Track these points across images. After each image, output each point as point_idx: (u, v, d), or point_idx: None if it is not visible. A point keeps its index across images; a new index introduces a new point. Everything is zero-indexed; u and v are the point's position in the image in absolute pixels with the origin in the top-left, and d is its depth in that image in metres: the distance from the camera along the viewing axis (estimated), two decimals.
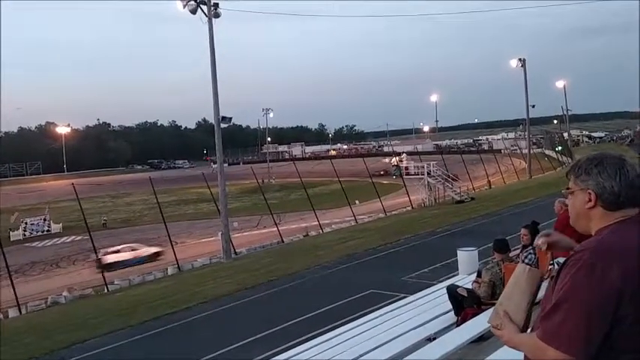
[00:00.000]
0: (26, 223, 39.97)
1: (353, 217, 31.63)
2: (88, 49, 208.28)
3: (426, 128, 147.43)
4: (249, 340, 10.75)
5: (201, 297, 14.87)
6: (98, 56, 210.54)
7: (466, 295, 6.78)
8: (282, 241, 27.25)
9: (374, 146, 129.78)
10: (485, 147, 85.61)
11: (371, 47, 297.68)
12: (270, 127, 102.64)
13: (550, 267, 7.72)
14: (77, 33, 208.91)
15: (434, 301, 8.94)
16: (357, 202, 36.82)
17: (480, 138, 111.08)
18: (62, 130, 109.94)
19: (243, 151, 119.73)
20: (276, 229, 28.96)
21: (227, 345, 10.57)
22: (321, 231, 29.26)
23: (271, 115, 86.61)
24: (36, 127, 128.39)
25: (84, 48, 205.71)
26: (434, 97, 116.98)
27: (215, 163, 31.01)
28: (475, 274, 7.69)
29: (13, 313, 18.52)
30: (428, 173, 34.53)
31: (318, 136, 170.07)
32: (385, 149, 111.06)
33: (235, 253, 24.32)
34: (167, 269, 22.64)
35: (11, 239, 35.31)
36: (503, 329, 1.81)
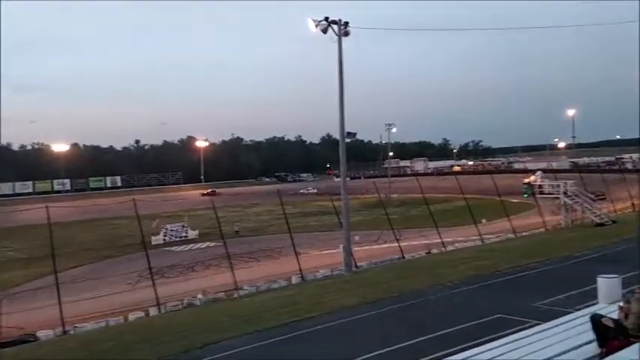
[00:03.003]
0: (166, 229, 43.53)
1: (479, 237, 30.43)
2: (222, 69, 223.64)
3: (561, 145, 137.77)
4: (370, 355, 10.76)
5: (323, 308, 15.15)
6: (233, 75, 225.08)
7: (612, 325, 6.23)
8: (403, 257, 26.96)
9: (502, 163, 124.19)
10: (629, 166, 78.05)
11: (499, 61, 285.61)
12: (393, 142, 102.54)
13: None
14: (213, 54, 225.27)
15: (571, 330, 8.30)
16: (483, 220, 35.43)
17: (624, 156, 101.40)
18: (201, 143, 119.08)
19: (364, 165, 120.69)
20: (396, 244, 28.76)
21: (349, 358, 10.67)
22: (443, 249, 28.52)
23: (394, 130, 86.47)
24: (178, 141, 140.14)
25: (219, 67, 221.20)
26: (570, 112, 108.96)
27: (337, 176, 31.66)
28: (617, 304, 7.07)
29: (153, 311, 20.21)
30: (564, 193, 32.25)
31: (441, 151, 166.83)
32: (515, 166, 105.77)
33: (356, 266, 24.49)
34: (291, 278, 23.41)
35: (152, 243, 38.53)
36: None
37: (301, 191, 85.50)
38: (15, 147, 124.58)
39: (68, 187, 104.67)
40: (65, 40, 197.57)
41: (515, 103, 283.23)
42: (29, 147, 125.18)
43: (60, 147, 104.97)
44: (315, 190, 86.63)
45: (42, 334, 17.64)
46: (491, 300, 14.60)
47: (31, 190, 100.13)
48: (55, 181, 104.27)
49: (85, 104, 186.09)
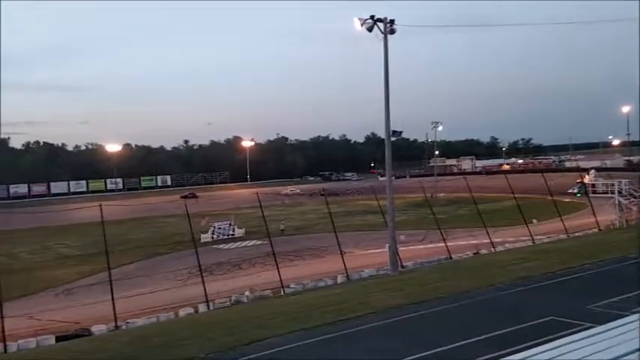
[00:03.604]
0: (214, 227, 44.29)
1: (529, 237, 29.61)
2: (266, 69, 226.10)
3: (615, 142, 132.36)
4: (417, 356, 10.65)
5: (369, 307, 15.09)
6: (276, 75, 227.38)
7: None
8: (451, 258, 26.52)
9: (554, 161, 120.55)
10: None
11: (550, 56, 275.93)
12: (439, 140, 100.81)
13: None
14: (256, 53, 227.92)
15: (628, 333, 7.97)
16: (534, 220, 34.46)
17: None
18: (247, 143, 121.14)
19: (410, 164, 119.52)
20: (443, 244, 28.31)
21: (395, 359, 10.59)
22: (492, 249, 27.90)
23: (440, 128, 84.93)
24: (225, 141, 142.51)
25: (263, 67, 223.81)
26: (625, 108, 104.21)
27: (382, 175, 31.51)
28: None
29: (202, 308, 20.62)
30: (619, 192, 31.01)
31: (489, 149, 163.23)
32: (567, 164, 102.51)
33: (402, 266, 24.27)
34: (337, 277, 23.41)
35: (201, 241, 39.27)
36: None
37: (284, 192, 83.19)
38: (69, 147, 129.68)
39: (121, 186, 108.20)
40: (114, 41, 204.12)
41: (567, 100, 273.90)
42: (83, 147, 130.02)
43: (113, 147, 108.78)
44: (298, 190, 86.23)
45: (96, 328, 18.28)
46: (543, 302, 14.20)
47: (84, 189, 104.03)
48: (108, 181, 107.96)
49: (137, 105, 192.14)
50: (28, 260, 38.98)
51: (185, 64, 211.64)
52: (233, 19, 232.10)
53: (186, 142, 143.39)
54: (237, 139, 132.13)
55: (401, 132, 26.34)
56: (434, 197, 55.86)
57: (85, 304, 24.14)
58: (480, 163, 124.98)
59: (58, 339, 17.26)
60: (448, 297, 15.69)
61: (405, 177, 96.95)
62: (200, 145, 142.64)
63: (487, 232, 29.45)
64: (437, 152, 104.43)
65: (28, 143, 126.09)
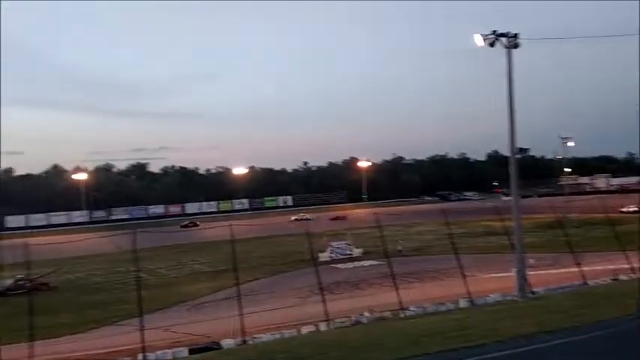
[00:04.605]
0: (332, 247, 45.05)
1: None
2: (382, 88, 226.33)
3: None
4: None
5: (497, 335, 14.32)
6: (393, 94, 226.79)
7: None
8: (586, 284, 24.53)
9: None
10: None
11: None
12: (569, 157, 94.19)
13: None
14: (372, 74, 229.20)
15: None
16: None
17: None
18: (363, 164, 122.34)
19: (536, 183, 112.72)
20: (576, 269, 26.28)
21: None
22: (633, 275, 25.37)
23: (571, 143, 79.42)
24: (342, 162, 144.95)
25: (379, 87, 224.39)
26: None
27: (506, 195, 30.05)
28: None
29: (323, 326, 20.93)
30: None
31: (626, 166, 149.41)
32: None
33: (532, 292, 22.85)
34: (459, 301, 22.62)
35: (320, 260, 40.10)
36: None
37: (293, 218, 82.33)
38: (202, 170, 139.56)
39: (247, 206, 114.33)
40: (240, 69, 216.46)
41: None
42: (214, 170, 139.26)
43: (239, 170, 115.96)
44: (307, 216, 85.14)
45: (224, 342, 19.27)
46: None
47: (215, 210, 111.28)
48: (236, 201, 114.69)
49: (261, 128, 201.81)
50: (165, 276, 42.33)
51: (305, 87, 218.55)
52: (345, 40, 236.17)
53: (305, 163, 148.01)
54: (353, 160, 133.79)
55: (527, 149, 25.93)
56: (565, 218, 52.14)
57: (215, 318, 25.61)
58: (615, 181, 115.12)
59: (191, 351, 18.42)
60: (586, 326, 14.44)
61: (531, 196, 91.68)
62: (318, 167, 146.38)
63: (626, 256, 26.88)
64: (568, 170, 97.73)
65: (165, 167, 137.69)
